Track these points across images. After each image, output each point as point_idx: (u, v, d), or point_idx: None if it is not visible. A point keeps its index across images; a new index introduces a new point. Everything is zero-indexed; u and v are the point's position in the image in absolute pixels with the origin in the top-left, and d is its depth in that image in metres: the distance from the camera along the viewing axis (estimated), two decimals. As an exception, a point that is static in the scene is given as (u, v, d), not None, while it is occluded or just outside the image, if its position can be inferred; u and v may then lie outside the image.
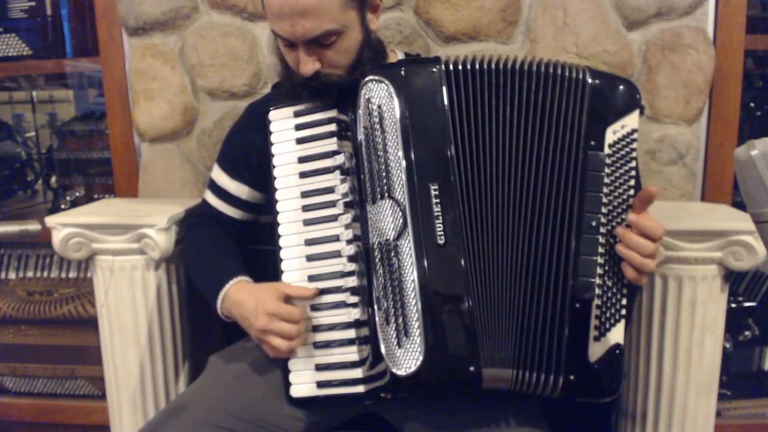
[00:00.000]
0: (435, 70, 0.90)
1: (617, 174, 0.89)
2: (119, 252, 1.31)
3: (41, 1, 1.71)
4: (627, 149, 0.90)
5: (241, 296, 1.02)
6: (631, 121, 0.90)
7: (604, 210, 0.88)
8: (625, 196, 0.89)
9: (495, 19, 1.43)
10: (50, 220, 1.30)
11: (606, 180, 0.89)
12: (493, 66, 0.90)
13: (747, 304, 1.56)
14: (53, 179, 1.95)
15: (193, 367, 1.48)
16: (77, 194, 1.86)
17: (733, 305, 1.55)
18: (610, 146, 0.89)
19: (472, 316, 0.87)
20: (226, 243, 1.17)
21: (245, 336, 1.16)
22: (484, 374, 0.87)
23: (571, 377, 0.87)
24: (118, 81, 1.59)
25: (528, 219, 0.89)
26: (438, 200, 0.87)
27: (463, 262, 0.87)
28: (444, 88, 0.89)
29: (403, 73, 0.90)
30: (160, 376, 1.37)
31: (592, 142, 0.89)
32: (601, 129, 0.89)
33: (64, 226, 1.30)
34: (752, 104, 1.68)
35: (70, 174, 1.85)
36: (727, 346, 1.55)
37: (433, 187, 0.87)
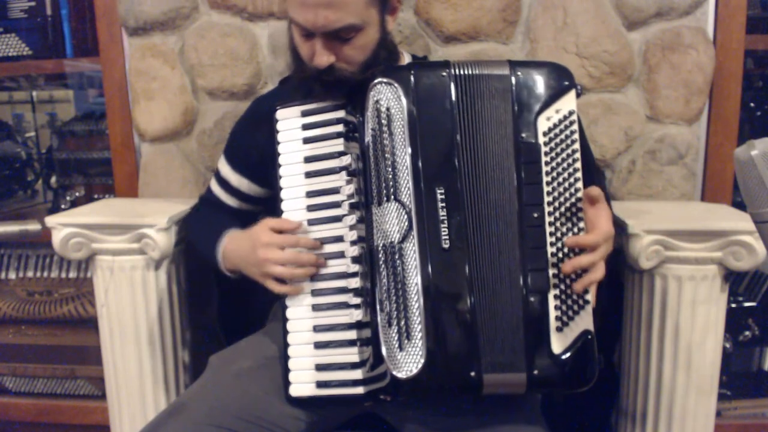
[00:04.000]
0: (444, 74, 0.90)
1: (558, 160, 0.89)
2: (119, 252, 1.31)
3: (41, 1, 1.70)
4: (566, 132, 0.89)
5: (235, 242, 1.08)
6: (566, 104, 0.90)
7: (548, 198, 0.88)
8: (571, 180, 0.89)
9: (495, 19, 1.43)
10: (50, 220, 1.30)
11: (546, 168, 0.89)
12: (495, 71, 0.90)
13: (747, 304, 1.56)
14: (53, 179, 1.95)
15: (193, 367, 1.48)
16: (77, 194, 1.86)
17: (733, 305, 1.54)
18: (545, 134, 0.89)
19: (474, 321, 0.86)
20: (221, 217, 1.21)
21: (245, 336, 1.16)
22: (484, 379, 0.86)
23: (535, 372, 0.87)
24: (118, 81, 1.59)
25: (499, 220, 0.89)
26: (444, 204, 0.87)
27: (467, 267, 0.87)
28: (453, 92, 0.89)
29: (412, 76, 0.89)
30: (160, 376, 1.37)
31: (524, 134, 0.89)
32: (532, 118, 0.89)
33: (64, 226, 1.30)
34: (752, 104, 1.68)
35: (70, 174, 1.85)
36: (727, 346, 1.55)
37: (439, 191, 0.87)
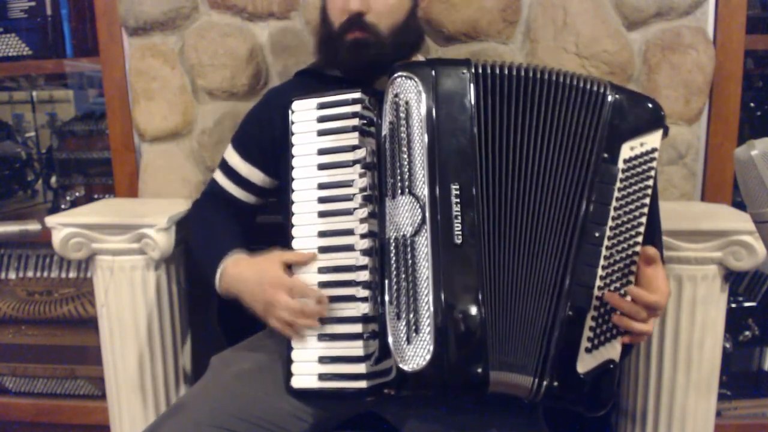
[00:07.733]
0: (464, 72, 0.90)
1: (630, 190, 0.90)
2: (119, 252, 1.31)
3: (41, 1, 1.70)
4: (644, 167, 0.90)
5: (239, 268, 1.03)
6: (652, 140, 0.90)
7: (611, 224, 0.89)
8: (637, 213, 0.89)
9: (495, 19, 1.43)
10: (50, 220, 1.30)
11: (617, 194, 0.89)
12: (522, 73, 0.90)
13: (747, 304, 1.56)
14: (53, 179, 1.95)
15: (193, 367, 1.48)
16: (77, 194, 1.86)
17: (733, 305, 1.54)
18: (626, 161, 0.90)
19: (483, 318, 0.86)
20: (227, 221, 1.17)
21: (245, 337, 1.16)
22: (491, 377, 0.86)
23: (555, 383, 0.87)
24: (118, 81, 1.59)
25: (539, 224, 0.90)
26: (458, 200, 0.87)
27: (479, 264, 0.87)
28: (472, 91, 0.89)
29: (433, 72, 0.89)
30: (160, 376, 1.37)
31: (605, 155, 0.90)
32: (617, 144, 0.90)
33: (64, 226, 1.30)
34: (752, 104, 1.68)
35: (70, 174, 1.85)
36: (727, 346, 1.55)
37: (454, 187, 0.87)
